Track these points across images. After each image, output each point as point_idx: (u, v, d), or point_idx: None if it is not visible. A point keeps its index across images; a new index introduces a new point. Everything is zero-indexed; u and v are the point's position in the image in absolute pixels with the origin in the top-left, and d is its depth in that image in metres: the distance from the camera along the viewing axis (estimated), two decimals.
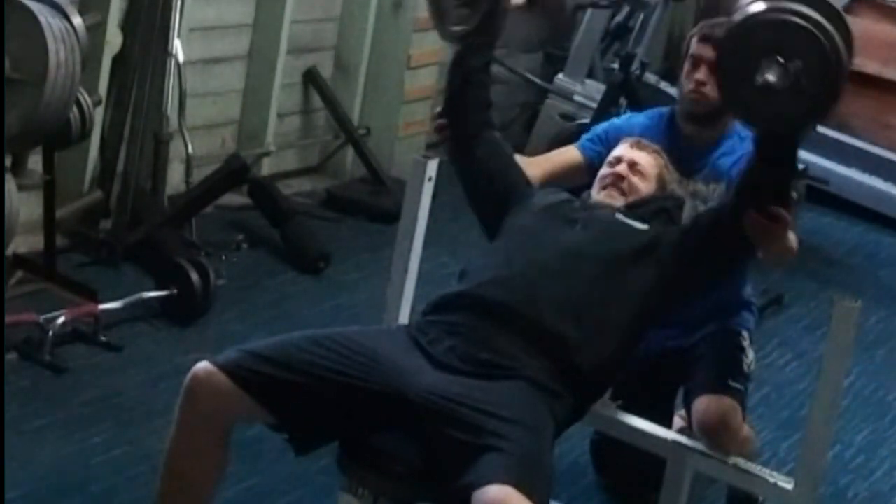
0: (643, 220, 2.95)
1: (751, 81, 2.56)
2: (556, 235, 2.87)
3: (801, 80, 2.53)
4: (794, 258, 3.12)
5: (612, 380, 2.87)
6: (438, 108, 3.12)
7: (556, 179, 3.33)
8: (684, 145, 3.32)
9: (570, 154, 3.43)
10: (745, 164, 2.82)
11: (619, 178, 3.06)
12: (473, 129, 3.05)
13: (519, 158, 3.31)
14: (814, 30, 2.55)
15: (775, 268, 2.87)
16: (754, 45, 2.58)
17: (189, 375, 2.59)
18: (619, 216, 2.95)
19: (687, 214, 3.12)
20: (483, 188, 3.05)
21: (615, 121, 3.53)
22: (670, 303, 2.89)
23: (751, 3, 2.66)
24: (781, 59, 2.54)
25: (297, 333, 2.69)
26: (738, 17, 2.64)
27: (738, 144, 3.26)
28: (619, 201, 3.03)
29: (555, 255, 2.81)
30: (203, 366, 2.58)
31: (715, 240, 2.83)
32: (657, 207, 3.02)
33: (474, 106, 3.05)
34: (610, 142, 3.29)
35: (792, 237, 2.96)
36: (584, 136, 3.46)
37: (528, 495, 2.31)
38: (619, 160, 3.10)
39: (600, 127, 3.47)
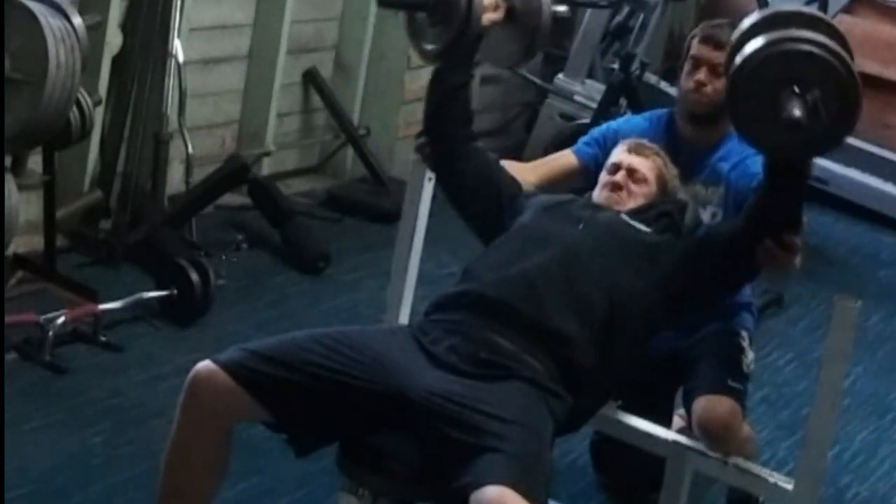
0: (646, 224, 2.96)
1: (771, 117, 2.52)
2: (559, 234, 2.87)
3: (819, 109, 2.51)
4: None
5: (614, 382, 2.87)
6: (420, 130, 3.11)
7: (552, 184, 3.34)
8: (684, 147, 3.32)
9: (566, 159, 3.44)
10: (755, 191, 2.80)
11: (618, 187, 3.07)
12: (455, 144, 3.05)
13: (514, 165, 3.33)
14: (828, 56, 2.51)
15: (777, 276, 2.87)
16: (769, 79, 2.54)
17: (191, 374, 2.59)
18: (624, 217, 2.96)
19: (689, 216, 3.13)
20: (471, 200, 3.05)
21: (612, 123, 3.52)
22: (671, 314, 2.90)
23: (748, 32, 2.61)
24: (798, 90, 2.50)
25: (299, 333, 2.69)
26: (746, 51, 2.57)
27: (738, 147, 3.26)
28: (619, 205, 3.03)
29: (557, 253, 2.81)
30: (205, 365, 2.58)
31: (724, 261, 2.85)
32: (659, 212, 3.03)
33: (454, 122, 3.04)
34: (607, 145, 3.30)
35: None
36: (582, 139, 3.46)
37: (526, 496, 2.32)
38: (617, 168, 3.11)
39: (598, 130, 3.47)
